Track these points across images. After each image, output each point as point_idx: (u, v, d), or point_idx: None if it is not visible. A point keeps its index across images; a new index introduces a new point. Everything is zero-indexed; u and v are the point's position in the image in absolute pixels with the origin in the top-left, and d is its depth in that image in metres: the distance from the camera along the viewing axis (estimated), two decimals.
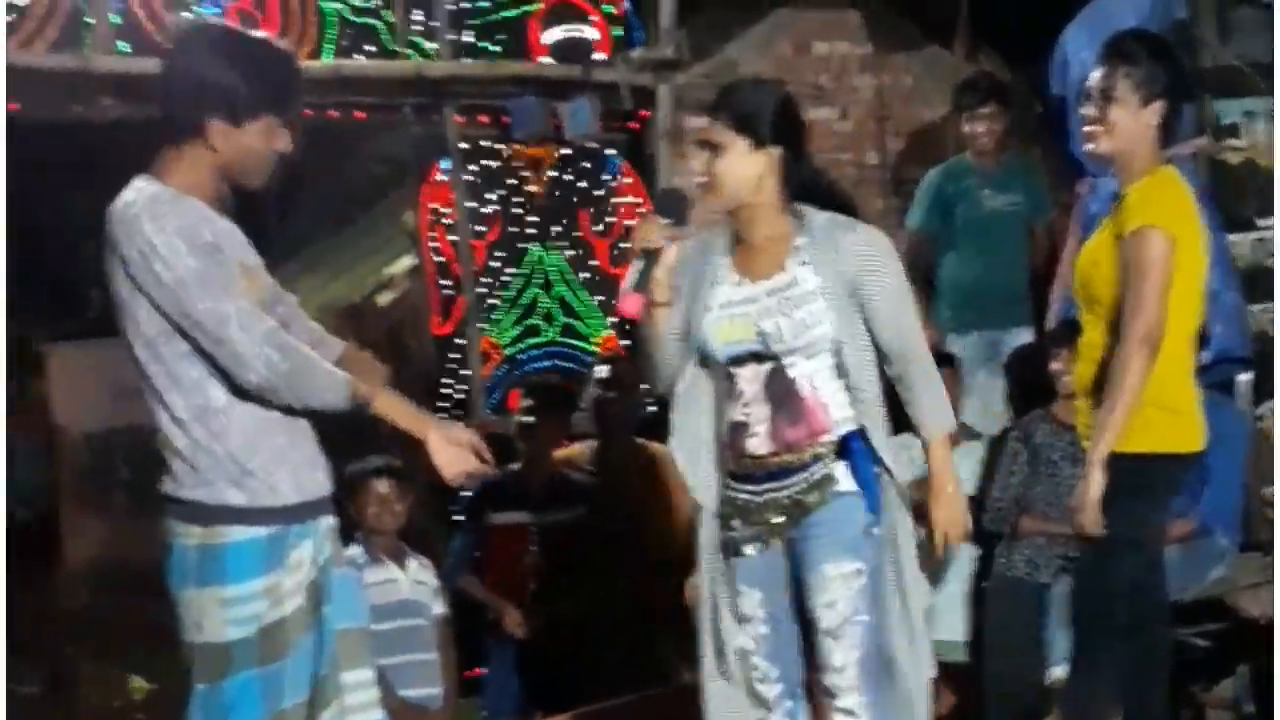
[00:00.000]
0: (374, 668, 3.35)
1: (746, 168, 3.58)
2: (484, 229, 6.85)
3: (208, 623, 3.05)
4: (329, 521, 3.23)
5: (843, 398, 3.64)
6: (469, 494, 6.02)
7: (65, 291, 10.55)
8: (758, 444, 3.63)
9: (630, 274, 3.63)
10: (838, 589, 3.59)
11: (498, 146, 6.89)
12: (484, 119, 6.87)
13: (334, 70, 6.31)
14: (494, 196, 6.88)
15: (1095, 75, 4.01)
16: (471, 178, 6.83)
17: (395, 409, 3.13)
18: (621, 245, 6.94)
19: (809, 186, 3.69)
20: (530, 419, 5.67)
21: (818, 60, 7.57)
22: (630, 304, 3.62)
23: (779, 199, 3.64)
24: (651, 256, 3.59)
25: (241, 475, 3.05)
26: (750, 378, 3.63)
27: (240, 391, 3.03)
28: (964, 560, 5.55)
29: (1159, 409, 3.88)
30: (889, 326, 3.63)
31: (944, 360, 5.77)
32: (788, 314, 3.58)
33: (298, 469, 3.13)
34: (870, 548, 3.63)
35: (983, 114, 6.35)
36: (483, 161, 6.87)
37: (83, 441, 10.09)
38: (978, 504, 5.33)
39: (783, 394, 3.60)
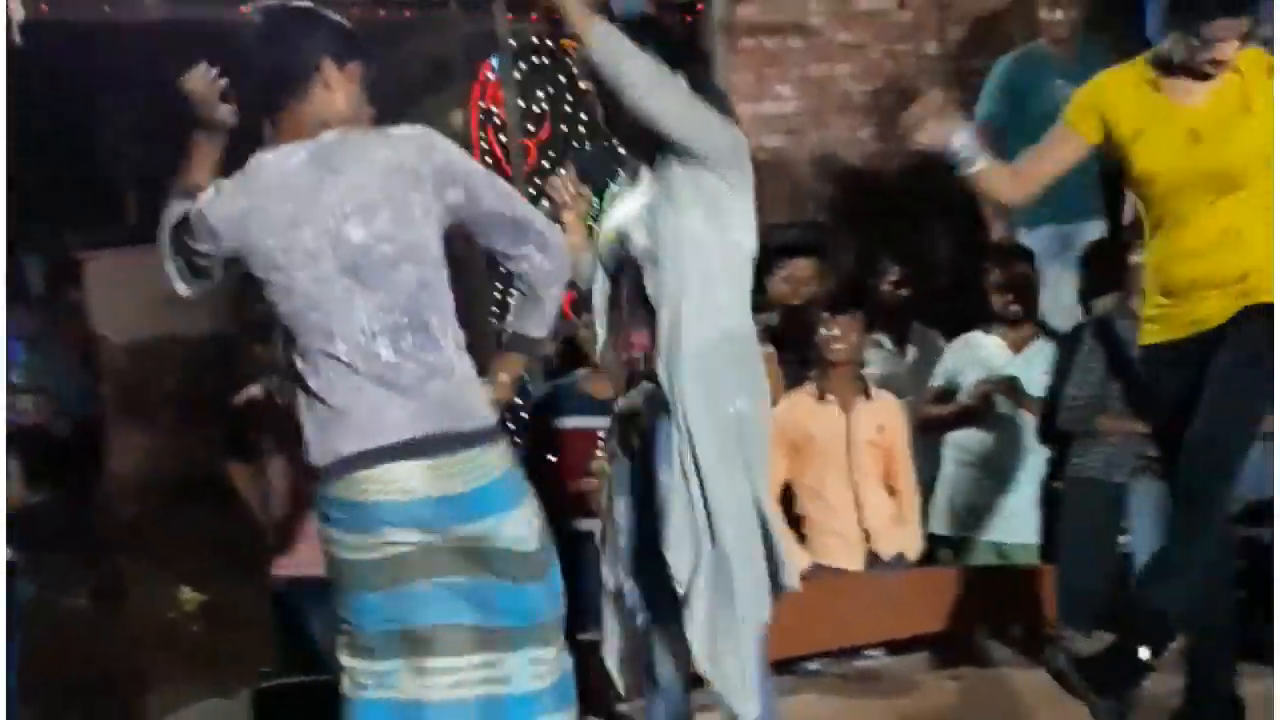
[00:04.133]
0: None
1: None
2: (535, 128, 6.67)
3: None
4: None
5: None
6: None
7: (101, 198, 10.40)
8: None
9: None
10: None
11: (548, 42, 6.69)
12: (535, 15, 6.65)
13: None
14: (545, 94, 6.70)
15: None
16: (522, 75, 6.65)
17: None
18: None
19: None
20: None
21: None
22: None
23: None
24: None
25: None
26: None
27: None
28: (1036, 461, 5.43)
29: None
30: None
31: (1020, 254, 5.64)
32: None
33: None
34: None
35: None
36: (533, 58, 6.68)
37: (123, 351, 9.95)
38: (1051, 404, 5.20)
39: None
